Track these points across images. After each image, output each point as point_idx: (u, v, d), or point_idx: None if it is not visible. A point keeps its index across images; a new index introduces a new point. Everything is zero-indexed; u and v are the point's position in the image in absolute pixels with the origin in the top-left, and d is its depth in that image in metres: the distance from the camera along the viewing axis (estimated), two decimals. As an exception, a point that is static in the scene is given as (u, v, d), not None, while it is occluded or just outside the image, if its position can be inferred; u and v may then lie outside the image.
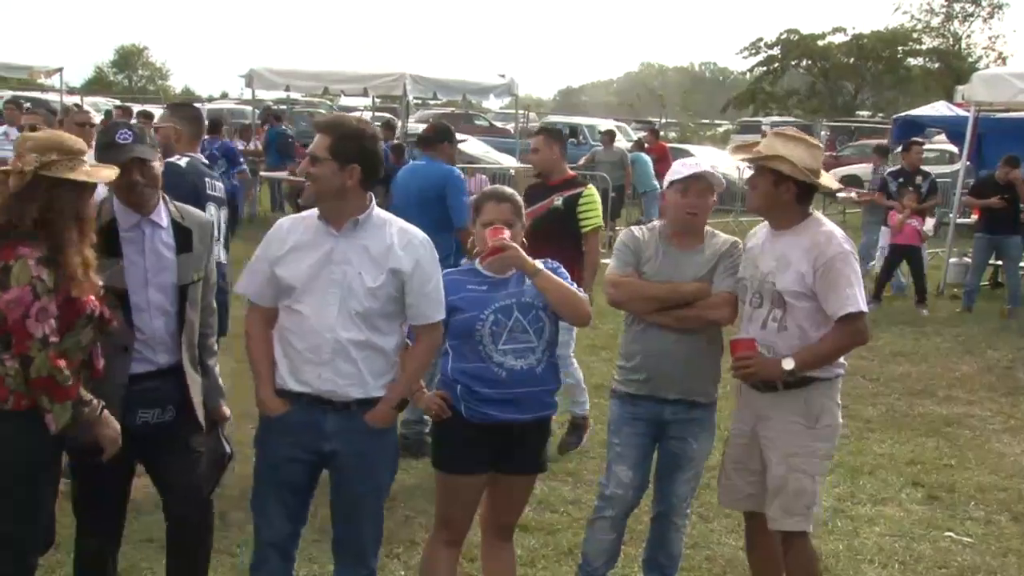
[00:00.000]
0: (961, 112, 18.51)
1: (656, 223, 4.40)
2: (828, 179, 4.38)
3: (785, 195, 4.01)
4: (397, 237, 3.67)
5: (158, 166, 3.72)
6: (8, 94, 26.11)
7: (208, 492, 3.97)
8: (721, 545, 5.30)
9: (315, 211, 3.70)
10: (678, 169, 4.22)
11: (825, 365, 4.02)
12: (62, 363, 3.27)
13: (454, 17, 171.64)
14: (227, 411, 4.07)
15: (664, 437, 4.28)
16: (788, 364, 3.91)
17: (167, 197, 3.83)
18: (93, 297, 3.40)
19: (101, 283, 3.45)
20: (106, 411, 3.45)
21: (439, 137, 6.83)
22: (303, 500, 3.80)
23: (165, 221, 3.75)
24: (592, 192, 6.45)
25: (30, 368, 3.24)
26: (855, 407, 7.50)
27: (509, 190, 4.08)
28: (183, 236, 3.77)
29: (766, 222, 4.20)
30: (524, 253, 3.85)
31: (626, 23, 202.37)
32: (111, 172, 3.46)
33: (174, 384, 3.77)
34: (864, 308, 3.96)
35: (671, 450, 4.28)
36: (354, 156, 3.59)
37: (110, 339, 3.57)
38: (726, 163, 24.79)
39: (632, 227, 4.41)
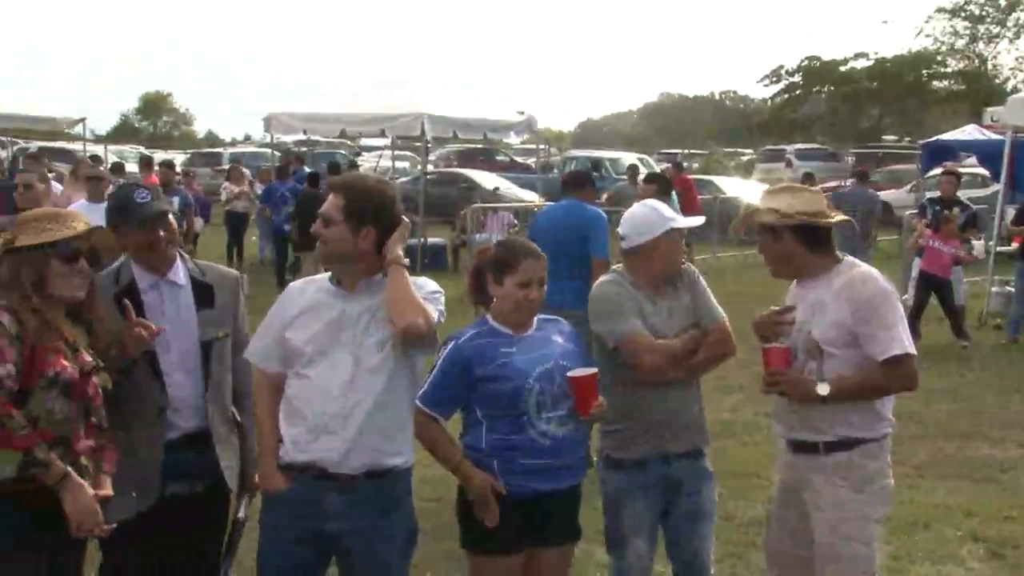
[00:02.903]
0: (992, 135, 18.16)
1: (621, 272, 4.04)
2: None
3: (789, 246, 3.76)
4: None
5: (174, 221, 3.66)
6: (35, 145, 26.30)
7: (225, 568, 3.74)
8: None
9: (328, 272, 3.50)
10: (670, 215, 4.01)
11: (862, 399, 3.70)
12: (16, 412, 3.07)
13: (471, 55, 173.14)
14: None
15: (675, 496, 3.99)
16: (823, 389, 3.62)
17: (184, 254, 3.72)
18: (67, 364, 3.19)
19: (90, 358, 3.27)
20: (75, 480, 3.14)
21: (582, 181, 7.51)
22: None
23: (183, 279, 3.63)
24: None
25: None
26: (901, 451, 7.05)
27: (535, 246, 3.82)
28: (203, 292, 3.64)
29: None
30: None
31: (645, 53, 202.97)
32: (78, 224, 3.30)
33: (204, 451, 3.58)
34: (912, 350, 3.64)
35: (687, 508, 4.01)
36: (369, 218, 3.36)
37: (146, 402, 3.46)
38: (750, 193, 24.66)
39: (610, 280, 4.04)
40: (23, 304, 3.19)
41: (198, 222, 14.67)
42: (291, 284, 3.67)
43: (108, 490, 3.25)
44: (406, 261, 3.42)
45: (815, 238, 3.77)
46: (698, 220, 4.69)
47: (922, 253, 11.71)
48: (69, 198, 8.63)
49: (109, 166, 16.37)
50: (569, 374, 3.63)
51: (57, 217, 3.32)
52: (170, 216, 3.63)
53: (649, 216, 3.98)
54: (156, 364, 3.51)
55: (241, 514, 3.78)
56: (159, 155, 28.55)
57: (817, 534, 3.74)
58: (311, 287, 3.52)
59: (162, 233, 3.54)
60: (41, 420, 3.15)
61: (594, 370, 3.68)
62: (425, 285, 3.47)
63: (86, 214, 3.48)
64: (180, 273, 3.64)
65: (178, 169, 19.97)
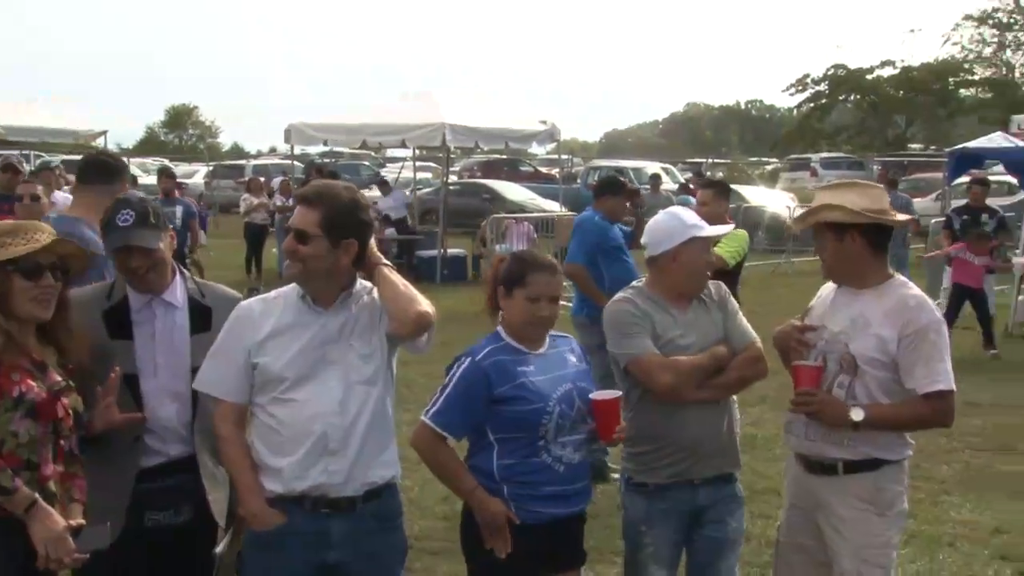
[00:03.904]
0: (1020, 142, 17.88)
1: (637, 286, 3.87)
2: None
3: (852, 246, 3.56)
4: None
5: (164, 248, 3.37)
6: (58, 158, 26.42)
7: None
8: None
9: (291, 288, 3.26)
10: (698, 223, 3.78)
11: (895, 430, 3.56)
12: None
13: (494, 64, 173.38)
14: None
15: (699, 524, 3.78)
16: (857, 415, 3.46)
17: (186, 273, 3.52)
18: (34, 384, 3.01)
19: (60, 378, 3.08)
20: (43, 507, 2.96)
21: (601, 190, 7.45)
22: None
23: (180, 300, 3.43)
24: (739, 232, 6.47)
25: None
26: (927, 466, 6.90)
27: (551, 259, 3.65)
28: (201, 315, 3.43)
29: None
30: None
31: (671, 63, 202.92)
32: (41, 237, 3.08)
33: (189, 480, 3.37)
34: (954, 387, 3.49)
35: (711, 537, 3.79)
36: (351, 231, 3.16)
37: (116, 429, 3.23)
38: (775, 202, 24.44)
39: (623, 297, 3.83)
40: None
41: (200, 235, 14.62)
42: (242, 304, 3.33)
43: (79, 518, 3.05)
44: (387, 262, 3.29)
45: (880, 239, 3.60)
46: (725, 228, 4.51)
47: (950, 263, 11.52)
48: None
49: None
50: (592, 396, 3.46)
51: (17, 231, 3.08)
52: (161, 244, 3.35)
53: (670, 224, 3.76)
54: (136, 388, 3.32)
55: (219, 549, 3.52)
56: (182, 167, 28.69)
57: (838, 560, 3.57)
58: (274, 307, 3.24)
59: (137, 263, 3.31)
60: (6, 443, 2.95)
61: (618, 393, 3.52)
62: None
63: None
64: (177, 292, 3.44)
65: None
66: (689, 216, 3.83)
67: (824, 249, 3.64)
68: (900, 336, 3.48)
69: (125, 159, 28.98)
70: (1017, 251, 13.19)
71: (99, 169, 4.43)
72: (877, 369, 3.51)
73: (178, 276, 3.47)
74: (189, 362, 3.36)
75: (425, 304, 3.19)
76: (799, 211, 3.96)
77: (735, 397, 3.87)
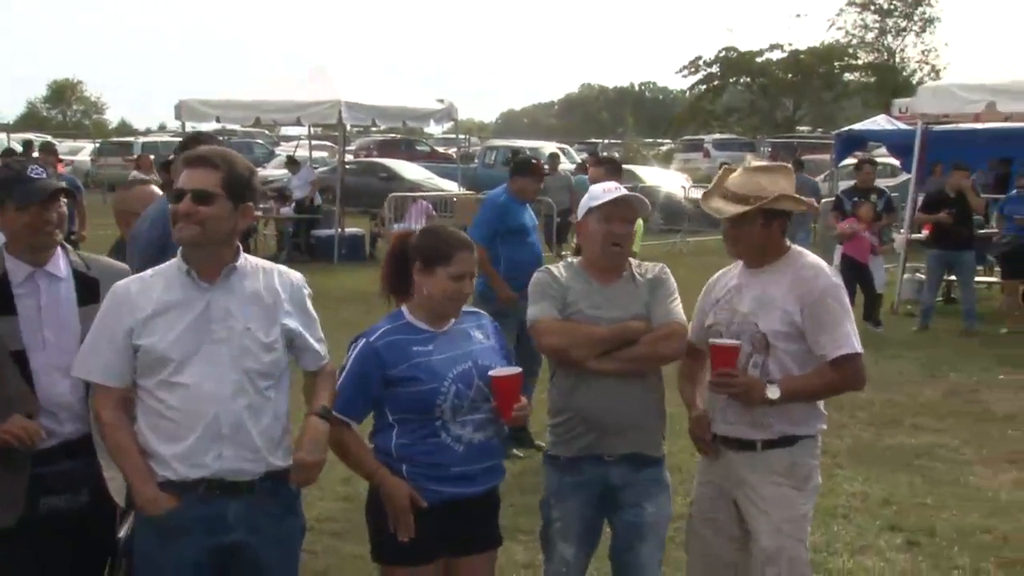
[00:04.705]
0: (903, 125, 18.52)
1: (571, 259, 3.90)
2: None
3: (776, 233, 3.65)
4: (280, 285, 3.20)
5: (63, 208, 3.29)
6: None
7: None
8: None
9: (168, 265, 3.15)
10: (597, 194, 3.74)
11: (810, 401, 3.64)
12: None
13: (391, 41, 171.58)
14: None
15: (616, 507, 3.77)
16: (773, 393, 3.52)
17: (67, 246, 3.37)
18: None
19: None
20: None
21: (513, 170, 7.44)
22: None
23: (64, 271, 3.29)
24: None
25: None
26: (822, 440, 7.09)
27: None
28: (87, 287, 3.29)
29: (737, 263, 3.78)
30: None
31: (566, 45, 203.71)
32: None
33: (86, 463, 3.24)
34: (860, 349, 3.58)
35: (627, 521, 3.76)
36: (248, 195, 3.12)
37: (13, 407, 3.08)
38: (670, 182, 24.82)
39: (546, 268, 3.88)
40: None
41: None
42: (118, 285, 3.17)
43: None
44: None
45: (786, 222, 3.68)
46: (617, 192, 4.01)
47: (842, 241, 11.83)
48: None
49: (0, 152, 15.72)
50: (491, 373, 3.43)
51: None
52: (62, 200, 3.30)
53: (591, 192, 3.80)
54: (26, 364, 3.18)
55: (122, 533, 3.43)
56: (67, 144, 27.68)
57: (758, 536, 3.63)
58: (153, 285, 3.10)
59: (53, 215, 3.23)
60: None
61: (517, 370, 3.49)
62: (292, 282, 3.26)
63: None
64: (60, 264, 3.32)
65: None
66: (598, 190, 3.80)
67: (746, 232, 3.64)
68: (803, 308, 3.56)
69: (5, 135, 27.90)
70: (902, 231, 13.64)
71: None
72: (787, 342, 3.58)
73: (59, 249, 3.34)
74: (79, 335, 3.24)
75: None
76: (733, 209, 3.66)
77: (662, 379, 3.84)
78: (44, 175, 3.27)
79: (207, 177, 3.05)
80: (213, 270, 3.10)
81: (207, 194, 3.03)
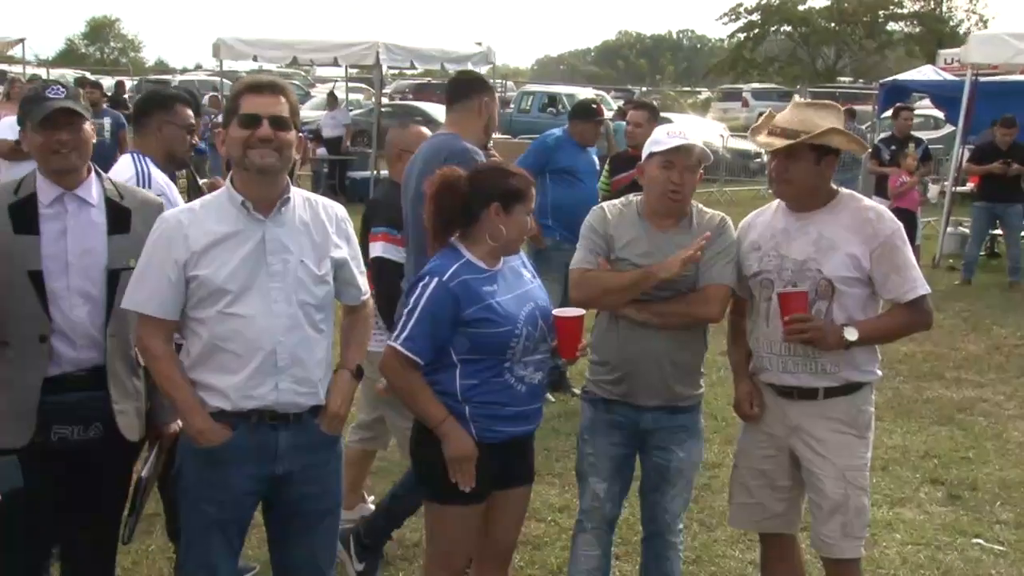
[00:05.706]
0: (949, 76, 18.10)
1: (632, 197, 3.78)
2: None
3: (827, 171, 3.54)
4: (326, 217, 3.19)
5: (89, 130, 3.20)
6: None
7: (129, 531, 3.40)
8: (726, 558, 4.80)
9: (216, 196, 3.12)
10: (660, 139, 3.59)
11: (884, 342, 3.66)
12: None
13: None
14: (177, 429, 3.36)
15: (646, 448, 3.76)
16: (852, 335, 3.45)
17: (103, 173, 3.31)
18: None
19: None
20: None
21: (572, 114, 7.46)
22: (243, 539, 3.28)
23: (95, 198, 3.22)
24: None
25: None
26: (860, 392, 7.01)
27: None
28: (119, 216, 3.23)
29: (772, 205, 3.69)
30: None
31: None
32: None
33: (99, 396, 3.19)
34: (928, 288, 3.55)
35: (656, 463, 3.75)
36: (299, 123, 3.14)
37: (24, 325, 3.04)
38: (708, 131, 24.50)
39: (603, 204, 3.80)
40: None
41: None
42: (166, 216, 3.13)
43: None
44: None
45: (835, 161, 3.59)
46: (680, 139, 3.74)
47: (884, 191, 11.61)
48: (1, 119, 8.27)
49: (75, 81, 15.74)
50: (556, 313, 3.39)
51: None
52: (86, 124, 3.20)
53: (654, 136, 3.67)
54: (42, 285, 3.10)
55: (145, 472, 3.40)
56: (106, 81, 27.70)
57: (821, 483, 3.57)
58: (205, 216, 3.06)
59: (65, 136, 3.13)
60: None
61: (581, 312, 3.45)
62: (336, 213, 3.24)
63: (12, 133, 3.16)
64: (92, 190, 3.24)
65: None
66: (662, 134, 3.66)
67: (796, 171, 3.51)
68: (871, 249, 3.48)
69: (44, 70, 27.92)
70: (943, 182, 13.39)
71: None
72: (853, 287, 3.50)
73: (93, 175, 3.27)
74: (105, 262, 3.18)
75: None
76: (778, 142, 3.49)
77: (706, 335, 3.76)
78: (61, 95, 3.16)
79: (279, 103, 3.03)
80: (269, 202, 3.07)
81: (284, 120, 3.02)
